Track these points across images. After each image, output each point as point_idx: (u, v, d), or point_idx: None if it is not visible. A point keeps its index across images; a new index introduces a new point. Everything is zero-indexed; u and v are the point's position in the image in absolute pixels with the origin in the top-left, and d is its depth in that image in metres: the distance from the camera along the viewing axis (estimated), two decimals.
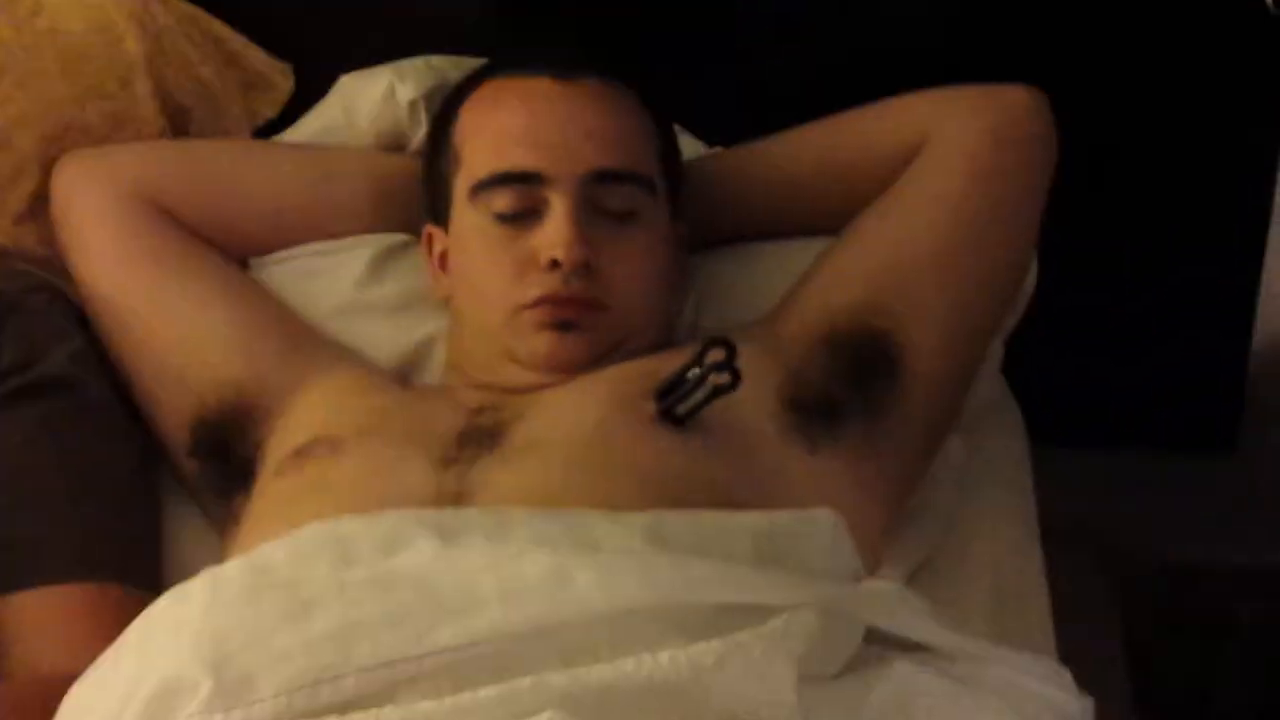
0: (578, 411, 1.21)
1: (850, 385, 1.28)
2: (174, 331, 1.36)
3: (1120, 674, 1.69)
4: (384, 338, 1.41)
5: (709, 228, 1.42)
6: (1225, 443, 1.66)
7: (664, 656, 0.93)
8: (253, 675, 0.94)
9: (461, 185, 1.31)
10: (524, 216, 1.27)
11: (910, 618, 1.04)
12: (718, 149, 1.49)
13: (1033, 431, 1.51)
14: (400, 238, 1.44)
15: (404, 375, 1.40)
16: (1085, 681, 1.10)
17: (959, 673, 1.03)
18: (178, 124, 1.48)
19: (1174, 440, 1.66)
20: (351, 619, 0.97)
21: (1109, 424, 1.66)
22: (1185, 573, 1.78)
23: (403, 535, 1.03)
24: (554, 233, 1.26)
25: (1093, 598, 1.73)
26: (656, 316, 1.33)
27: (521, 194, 1.27)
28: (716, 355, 1.18)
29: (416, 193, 1.40)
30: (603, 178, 1.28)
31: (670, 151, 1.37)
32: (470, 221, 1.30)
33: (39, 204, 1.43)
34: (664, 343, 1.33)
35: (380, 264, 1.42)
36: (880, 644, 1.04)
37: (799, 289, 1.36)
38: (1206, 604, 1.77)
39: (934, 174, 1.36)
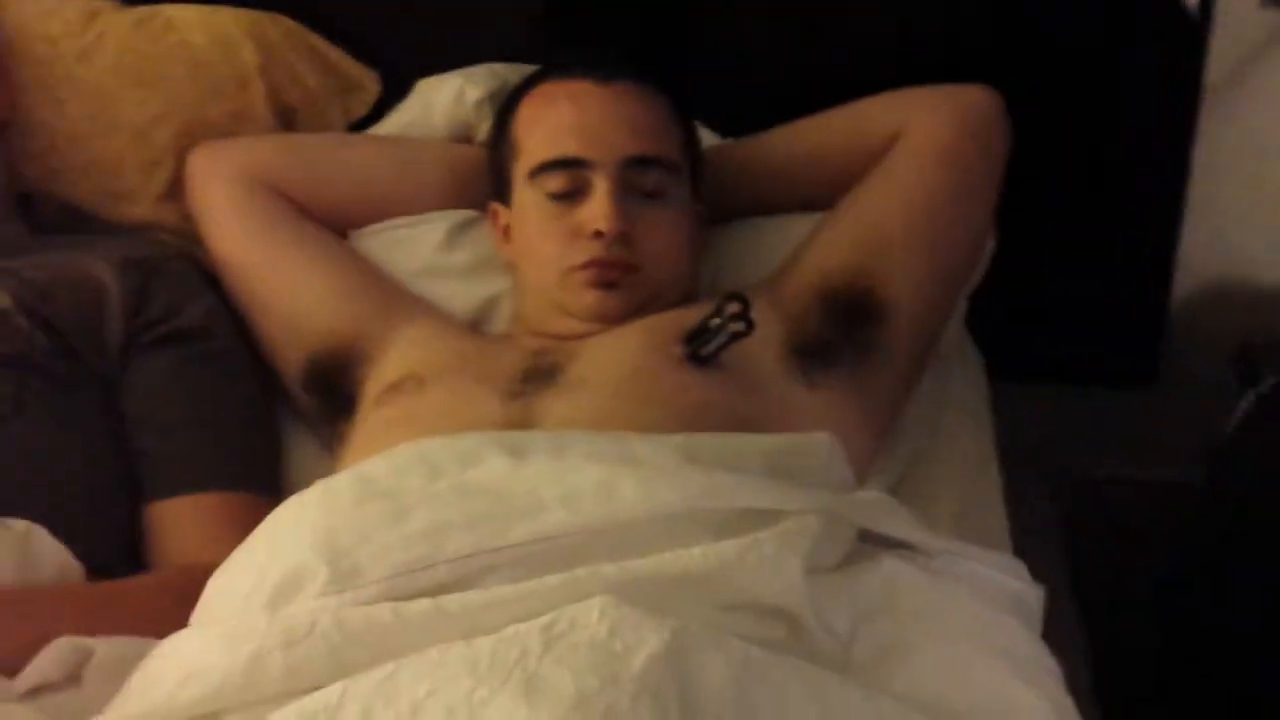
0: (619, 354, 1.21)
1: (841, 332, 1.28)
2: (288, 290, 1.36)
3: (1061, 570, 1.69)
4: (458, 295, 1.41)
5: (723, 206, 1.42)
6: (1147, 375, 1.66)
7: (695, 551, 0.94)
8: (361, 565, 0.95)
9: (521, 170, 1.31)
10: (572, 195, 1.28)
11: (895, 521, 1.04)
12: (730, 140, 1.49)
13: (989, 370, 1.51)
14: (470, 213, 1.43)
15: (474, 325, 1.40)
16: (1034, 576, 1.11)
17: (935, 566, 1.03)
18: (286, 121, 1.48)
19: (1106, 376, 1.66)
20: (439, 520, 0.97)
21: (1052, 362, 1.66)
22: (1112, 485, 1.78)
23: (478, 453, 1.04)
24: (597, 208, 1.26)
25: (1038, 508, 1.73)
26: (682, 277, 1.33)
27: (570, 176, 1.27)
28: (735, 308, 1.19)
29: (483, 176, 1.39)
30: (637, 162, 1.28)
31: (692, 141, 1.37)
32: (528, 199, 1.30)
33: (176, 187, 1.44)
34: (688, 299, 1.32)
35: (454, 235, 1.42)
36: (870, 543, 1.04)
37: (798, 255, 1.36)
38: (1130, 512, 1.77)
39: (908, 159, 1.36)
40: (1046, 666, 0.99)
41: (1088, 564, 1.71)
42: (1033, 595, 1.06)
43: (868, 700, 0.90)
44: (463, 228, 1.43)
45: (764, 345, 1.24)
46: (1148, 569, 1.77)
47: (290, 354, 1.35)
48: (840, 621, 0.96)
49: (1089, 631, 1.61)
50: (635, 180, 1.28)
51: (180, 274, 1.33)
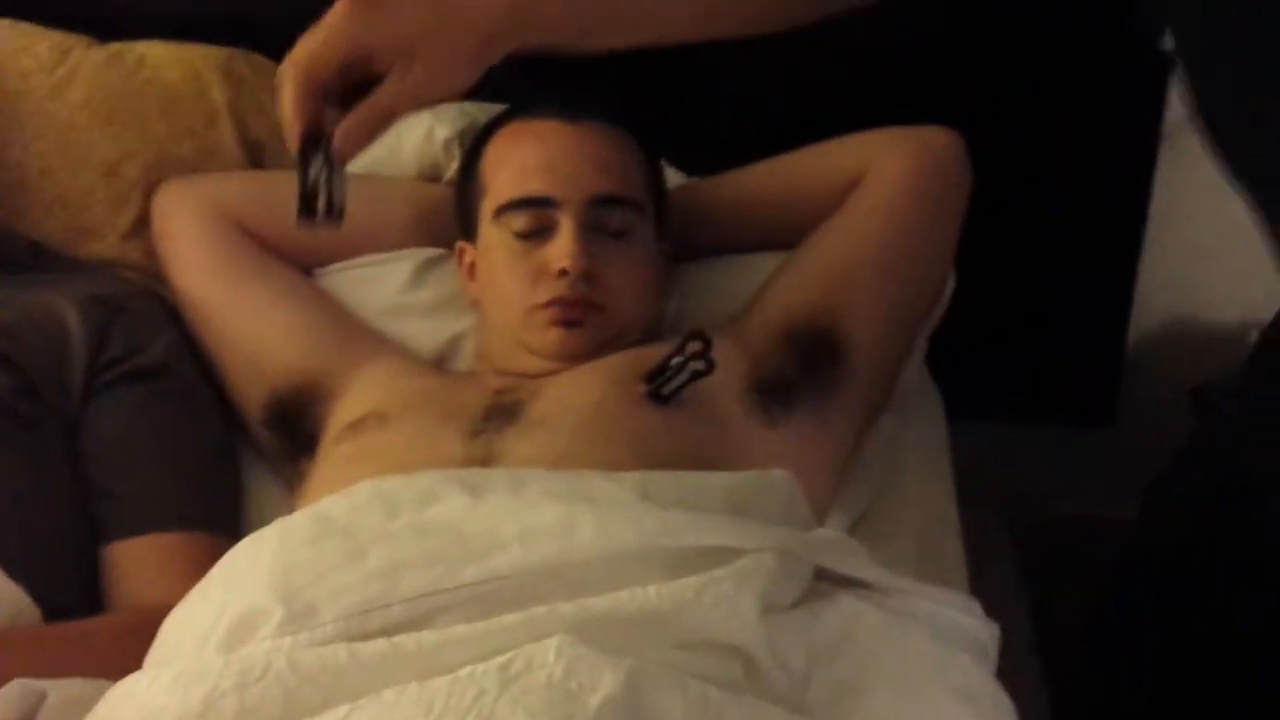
0: (580, 392, 1.20)
1: (803, 371, 1.28)
2: (251, 326, 1.35)
3: (1019, 608, 1.69)
4: (423, 333, 1.40)
5: (688, 243, 1.42)
6: (1105, 416, 1.66)
7: (651, 590, 0.93)
8: (316, 605, 0.94)
9: (487, 208, 1.31)
10: (538, 234, 1.27)
11: (852, 560, 1.04)
12: (696, 179, 1.49)
13: (948, 409, 1.51)
14: (437, 251, 1.43)
15: (439, 363, 1.39)
16: (991, 614, 1.11)
17: (892, 605, 1.02)
18: (255, 157, 1.47)
19: (1064, 415, 1.66)
20: (396, 559, 0.96)
21: (1012, 402, 1.66)
22: (1071, 524, 1.77)
23: (437, 491, 1.03)
24: (562, 247, 1.25)
25: (997, 547, 1.73)
26: (646, 316, 1.33)
27: (536, 215, 1.27)
28: (695, 347, 1.19)
29: (450, 215, 1.39)
30: (603, 202, 1.28)
31: (657, 180, 1.37)
32: (494, 238, 1.30)
33: (142, 225, 1.42)
34: (652, 337, 1.32)
35: (421, 273, 1.42)
36: (828, 581, 1.03)
37: (762, 293, 1.36)
38: (1089, 551, 1.76)
39: (872, 199, 1.36)
40: (1001, 704, 0.99)
41: (1046, 603, 1.71)
42: (987, 633, 1.06)
43: None
44: (429, 266, 1.42)
45: (726, 384, 1.23)
46: (1107, 607, 1.77)
47: (252, 391, 1.34)
48: (796, 660, 0.95)
49: (1046, 669, 1.60)
50: (601, 220, 1.27)
51: (143, 312, 1.32)
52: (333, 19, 0.82)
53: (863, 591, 1.03)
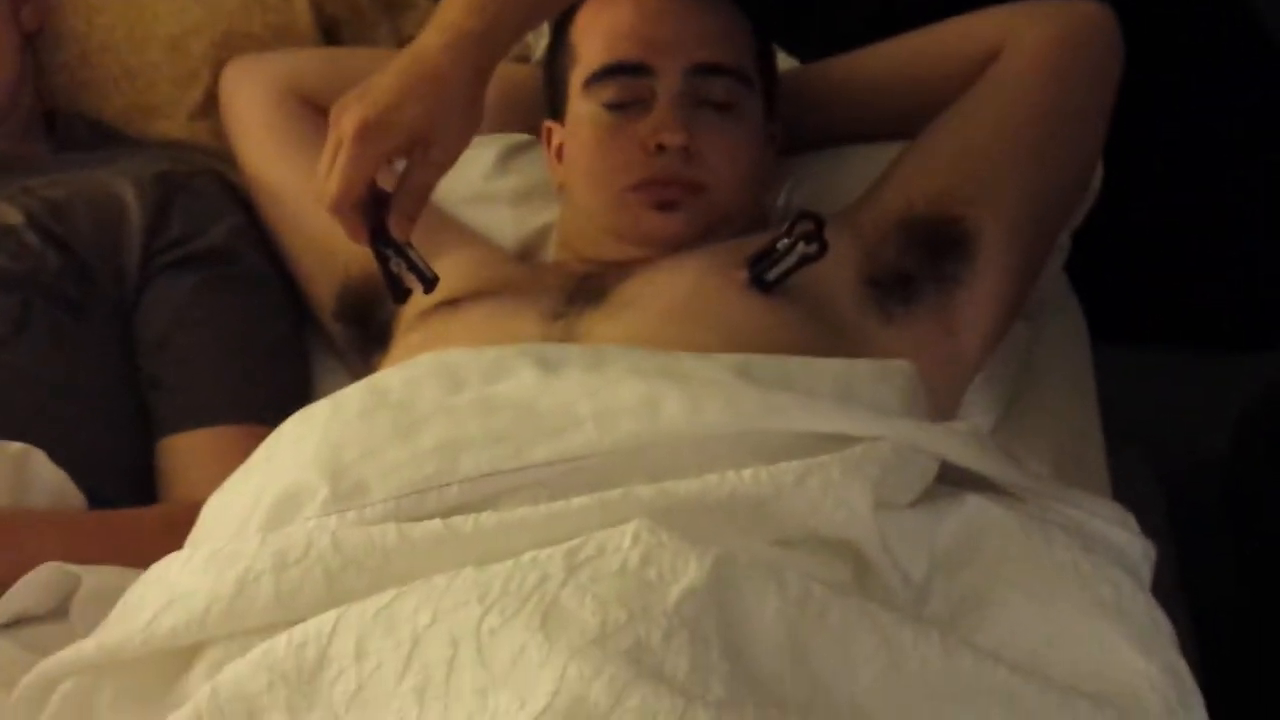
0: (675, 276, 1.10)
1: (924, 263, 1.15)
2: (322, 212, 1.26)
3: (1166, 554, 1.54)
4: (508, 223, 1.31)
5: (802, 132, 1.30)
6: (1270, 342, 1.50)
7: (747, 473, 0.81)
8: (366, 482, 0.85)
9: (576, 79, 1.20)
10: (632, 105, 1.16)
11: (982, 455, 0.91)
12: (808, 64, 1.36)
13: (1091, 331, 1.36)
14: (523, 137, 1.34)
15: (524, 255, 1.30)
16: None
17: (1028, 510, 0.89)
18: (331, 36, 1.40)
19: (1223, 339, 1.50)
20: (456, 436, 0.86)
21: (1164, 323, 1.51)
22: (1227, 468, 1.61)
23: (507, 365, 0.93)
24: (658, 119, 1.14)
25: (1141, 488, 1.58)
26: (750, 202, 1.21)
27: (630, 85, 1.16)
28: (806, 226, 1.07)
29: (538, 97, 1.28)
30: (703, 70, 1.16)
31: (766, 54, 1.25)
32: (584, 111, 1.19)
33: (210, 103, 1.36)
34: (757, 229, 1.20)
35: (506, 159, 1.32)
36: (954, 484, 0.91)
37: (881, 181, 1.23)
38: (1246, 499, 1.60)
39: (1010, 76, 1.23)
40: (1160, 627, 0.85)
41: (1198, 557, 1.55)
42: (1140, 549, 0.92)
43: (946, 656, 0.76)
44: (515, 152, 1.33)
45: (838, 273, 1.11)
46: (1266, 561, 1.61)
47: (323, 280, 1.26)
48: (916, 565, 0.83)
49: (1197, 629, 1.45)
50: (701, 90, 1.16)
51: (206, 191, 1.25)
52: (348, 153, 0.97)
53: (995, 495, 0.90)
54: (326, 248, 1.25)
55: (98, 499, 1.08)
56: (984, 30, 1.25)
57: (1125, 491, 1.27)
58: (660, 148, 1.14)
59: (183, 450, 1.15)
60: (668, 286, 1.08)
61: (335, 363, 1.27)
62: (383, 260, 1.01)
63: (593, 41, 1.19)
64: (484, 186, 1.31)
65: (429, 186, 1.02)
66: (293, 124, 1.29)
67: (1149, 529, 1.22)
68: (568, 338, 1.04)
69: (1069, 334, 1.35)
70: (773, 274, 1.08)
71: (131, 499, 1.12)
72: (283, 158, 1.29)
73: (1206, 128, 1.44)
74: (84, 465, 1.07)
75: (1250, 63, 1.41)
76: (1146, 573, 0.93)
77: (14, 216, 1.16)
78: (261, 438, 1.11)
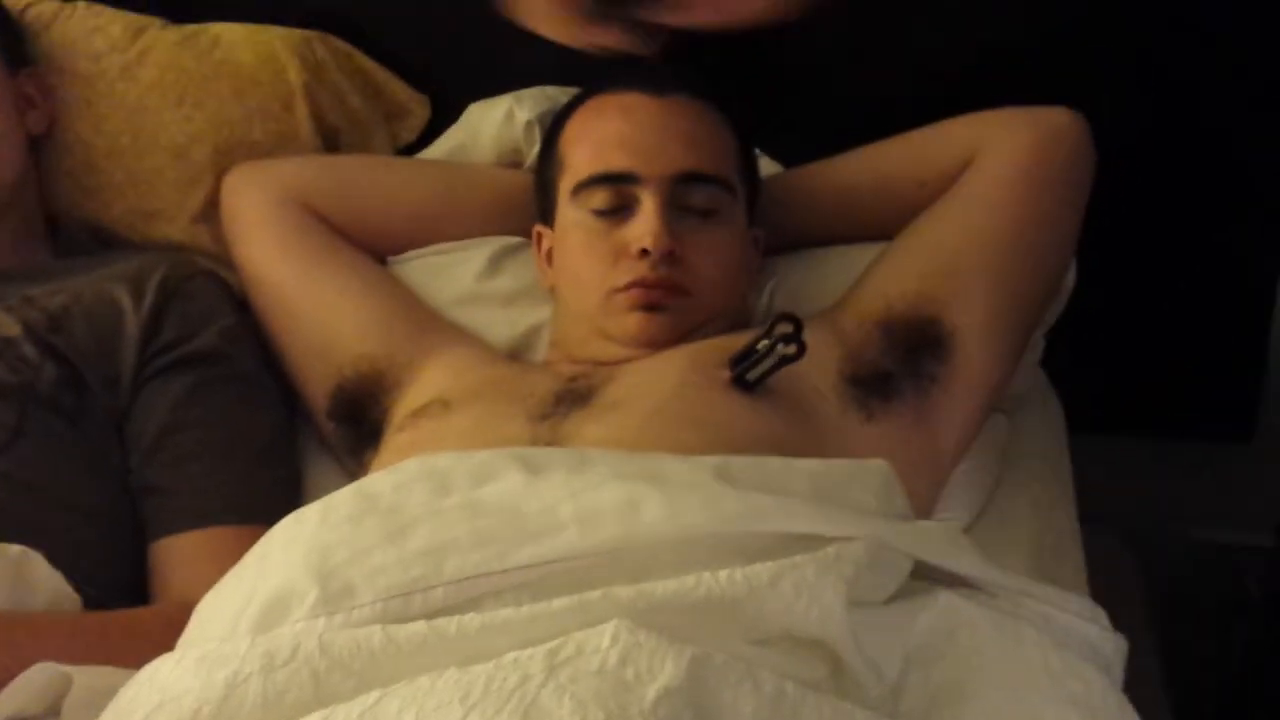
0: (659, 376, 1.12)
1: (903, 363, 1.17)
2: (320, 313, 1.29)
3: (1147, 641, 1.54)
4: (499, 324, 1.32)
5: (783, 234, 1.33)
6: (1243, 433, 1.51)
7: (722, 574, 0.82)
8: (354, 585, 0.86)
9: (565, 186, 1.23)
10: (618, 212, 1.19)
11: (956, 553, 0.92)
12: (790, 169, 1.39)
13: (1069, 421, 1.38)
14: (514, 240, 1.36)
15: (515, 355, 1.31)
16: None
17: (1000, 606, 0.90)
18: (331, 144, 1.42)
19: (1198, 429, 1.52)
20: (443, 539, 0.88)
21: (1139, 414, 1.52)
22: (1204, 552, 1.62)
23: (493, 468, 0.94)
24: (644, 225, 1.17)
25: (1122, 574, 1.58)
26: (733, 304, 1.23)
27: (616, 192, 1.19)
28: (785, 328, 1.09)
29: (529, 202, 1.31)
30: (688, 178, 1.19)
31: (748, 162, 1.28)
32: (572, 217, 1.22)
33: (211, 208, 1.37)
34: (739, 328, 1.22)
35: (497, 261, 1.34)
36: (927, 579, 0.92)
37: (860, 283, 1.26)
38: (1223, 581, 1.61)
39: (984, 183, 1.25)
40: None
41: (1176, 638, 1.56)
42: (1113, 646, 0.93)
43: None
44: (506, 254, 1.35)
45: (819, 373, 1.13)
46: (1243, 643, 1.61)
47: (318, 380, 1.28)
48: (889, 662, 0.84)
49: (1176, 711, 1.45)
50: (685, 197, 1.19)
51: (200, 294, 1.26)
52: None
53: (968, 591, 0.91)
54: (322, 348, 1.28)
55: (92, 602, 1.08)
56: (959, 138, 1.28)
57: (1104, 578, 1.28)
58: (645, 252, 1.16)
59: (175, 551, 1.15)
60: (652, 387, 1.10)
61: (327, 460, 1.28)
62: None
63: (581, 151, 1.22)
64: (476, 287, 1.33)
65: None
66: (293, 228, 1.31)
67: (1128, 617, 1.23)
68: (554, 439, 1.05)
69: (1047, 426, 1.36)
70: (753, 374, 1.09)
71: (125, 601, 1.12)
72: (283, 260, 1.31)
73: (1177, 224, 1.47)
74: (79, 568, 1.08)
75: (1219, 163, 1.44)
76: (1119, 669, 0.94)
77: (13, 328, 1.17)
78: (253, 538, 1.12)
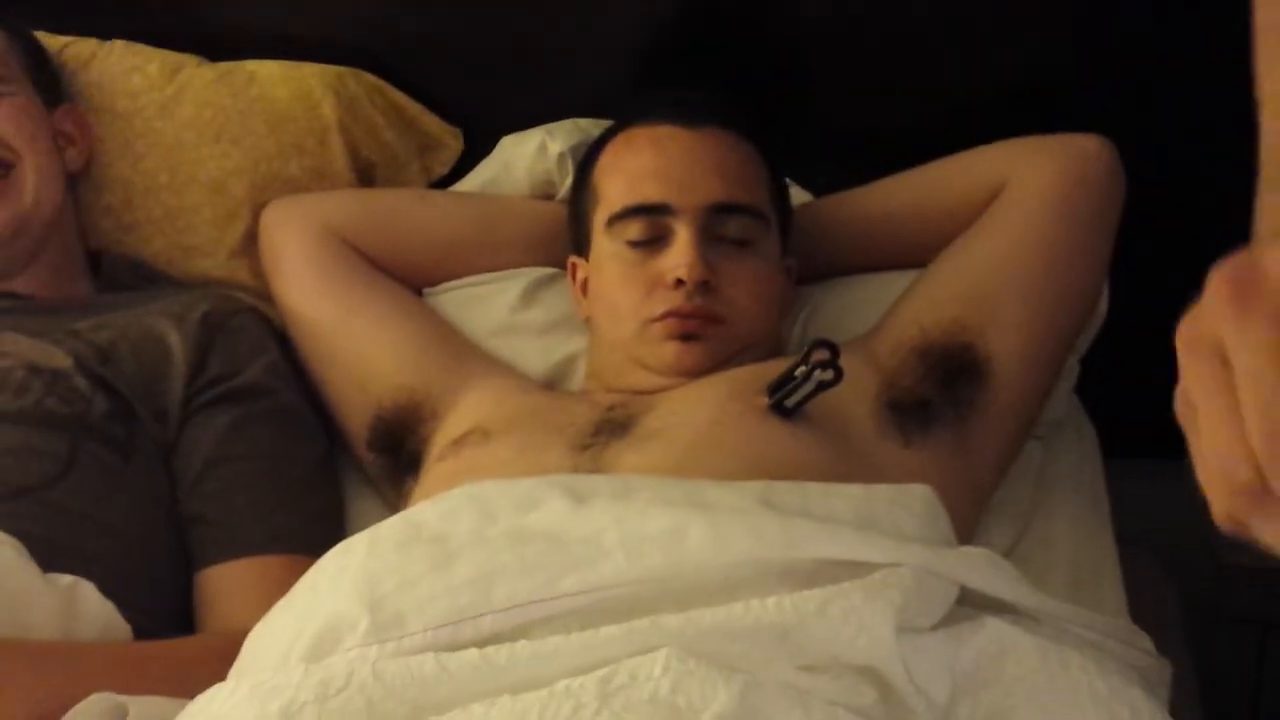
0: (698, 405, 1.12)
1: (940, 388, 1.18)
2: (357, 345, 1.30)
3: (1187, 665, 1.53)
4: (534, 354, 1.34)
5: (815, 263, 1.34)
6: None
7: (770, 601, 0.83)
8: (404, 614, 0.87)
9: (600, 218, 1.24)
10: (653, 243, 1.20)
11: (1001, 579, 0.93)
12: (821, 198, 1.41)
13: (1104, 446, 1.38)
14: (549, 271, 1.37)
15: (550, 385, 1.33)
16: None
17: (1044, 632, 0.91)
18: (365, 178, 1.44)
19: None
20: (490, 567, 0.88)
21: (1171, 437, 1.52)
22: (1238, 574, 1.61)
23: (538, 496, 0.95)
24: (679, 255, 1.18)
25: (1161, 599, 1.58)
26: (768, 332, 1.24)
27: (651, 223, 1.20)
28: (821, 354, 1.10)
29: (563, 233, 1.33)
30: (722, 209, 1.20)
31: (781, 193, 1.29)
32: (607, 249, 1.23)
33: (249, 243, 1.39)
34: (775, 357, 1.23)
35: (532, 293, 1.36)
36: (972, 606, 0.92)
37: (894, 310, 1.27)
38: (1264, 605, 1.60)
39: (1014, 211, 1.26)
40: None
41: (1216, 663, 1.55)
42: (1156, 670, 0.93)
43: None
44: (540, 285, 1.37)
45: (857, 399, 1.14)
46: (1275, 662, 1.60)
47: (357, 412, 1.29)
48: (939, 688, 0.84)
49: None
50: (719, 228, 1.20)
51: (244, 330, 1.28)
52: None
53: (1012, 617, 0.91)
54: (361, 380, 1.29)
55: (142, 631, 1.09)
56: (988, 166, 1.29)
57: (1142, 601, 1.28)
58: (680, 282, 1.17)
59: (222, 580, 1.17)
60: (691, 416, 1.11)
61: (368, 491, 1.29)
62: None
63: (615, 182, 1.23)
64: (511, 319, 1.35)
65: None
66: (331, 261, 1.33)
67: (1165, 639, 1.23)
68: (595, 468, 1.06)
69: (1082, 452, 1.37)
70: (791, 401, 1.10)
71: (174, 631, 1.14)
72: (321, 293, 1.32)
73: (1208, 248, 1.47)
74: (128, 598, 1.09)
75: (1249, 186, 1.45)
76: (1164, 691, 0.94)
77: (62, 360, 1.19)
78: (298, 567, 1.14)
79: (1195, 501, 1.49)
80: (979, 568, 0.93)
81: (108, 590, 1.08)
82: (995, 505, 1.23)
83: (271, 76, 1.41)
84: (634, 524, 0.89)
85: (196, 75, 1.41)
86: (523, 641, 0.83)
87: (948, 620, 0.90)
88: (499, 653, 0.82)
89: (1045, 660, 0.87)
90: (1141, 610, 1.25)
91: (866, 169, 1.37)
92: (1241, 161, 1.45)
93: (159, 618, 1.14)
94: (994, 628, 0.88)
